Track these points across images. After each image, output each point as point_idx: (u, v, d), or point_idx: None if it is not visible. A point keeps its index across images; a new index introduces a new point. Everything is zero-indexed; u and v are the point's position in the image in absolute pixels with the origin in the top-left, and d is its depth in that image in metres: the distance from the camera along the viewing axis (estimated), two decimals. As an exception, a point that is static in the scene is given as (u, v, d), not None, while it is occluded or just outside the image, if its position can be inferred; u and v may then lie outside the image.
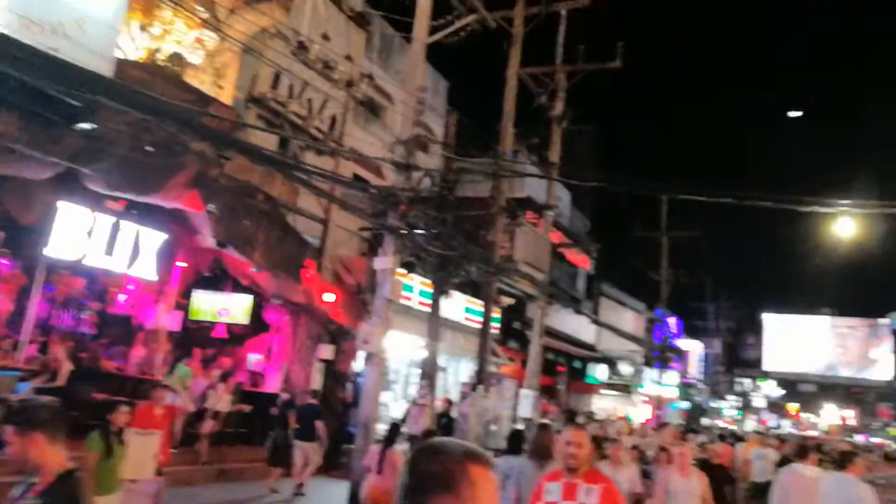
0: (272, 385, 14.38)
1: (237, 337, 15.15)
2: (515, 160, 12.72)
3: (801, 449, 7.52)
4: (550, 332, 22.34)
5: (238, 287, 14.36)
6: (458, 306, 16.39)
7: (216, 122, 9.27)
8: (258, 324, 14.72)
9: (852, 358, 55.31)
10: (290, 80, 13.29)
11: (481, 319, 13.45)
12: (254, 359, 15.26)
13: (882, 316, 54.42)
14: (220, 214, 10.34)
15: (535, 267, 14.18)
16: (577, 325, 25.01)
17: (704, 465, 8.42)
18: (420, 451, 1.48)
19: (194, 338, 14.33)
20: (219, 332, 14.87)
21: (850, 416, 69.76)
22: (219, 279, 14.60)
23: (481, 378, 11.65)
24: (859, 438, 56.24)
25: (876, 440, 57.30)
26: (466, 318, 16.81)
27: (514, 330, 20.18)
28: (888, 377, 54.71)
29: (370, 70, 14.65)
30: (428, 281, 10.84)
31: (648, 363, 30.60)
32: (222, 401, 12.03)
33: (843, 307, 56.87)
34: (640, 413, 28.83)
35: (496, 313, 17.52)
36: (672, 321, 36.63)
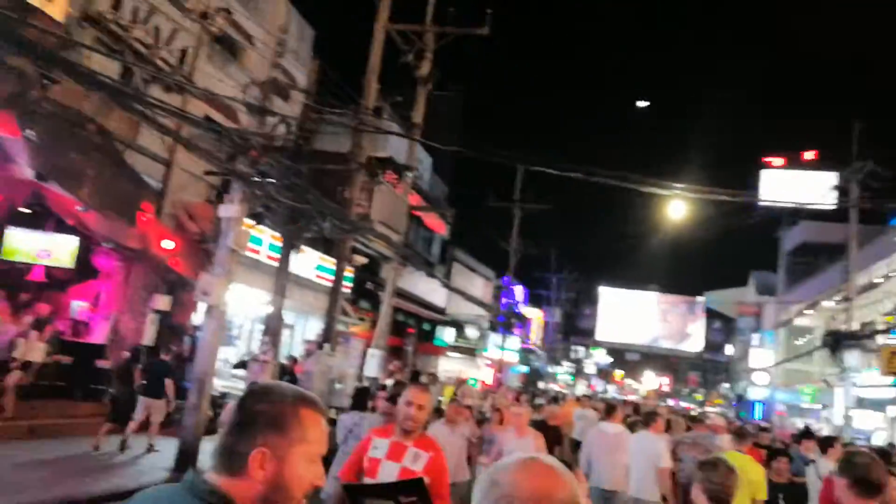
0: (98, 336, 13.23)
1: (59, 282, 13.73)
2: (378, 117, 12.42)
3: (609, 408, 8.21)
4: (402, 294, 22.48)
5: (63, 227, 12.97)
6: (310, 263, 15.94)
7: (40, 35, 8.11)
8: (85, 269, 13.42)
9: (672, 331, 61.17)
10: (136, 3, 12.00)
11: (333, 277, 13.17)
12: (78, 307, 13.94)
13: (699, 294, 60.52)
14: (40, 142, 9.17)
15: (392, 228, 14.07)
16: (429, 289, 25.36)
17: (541, 426, 8.85)
18: (252, 392, 1.47)
19: (6, 280, 12.80)
20: (36, 274, 13.40)
21: (666, 382, 77.24)
22: (39, 217, 13.08)
23: (328, 336, 11.41)
24: (671, 402, 62.50)
25: (684, 404, 63.95)
26: (318, 276, 16.40)
27: (367, 290, 20.05)
28: (699, 349, 61.13)
29: (228, 3, 13.57)
30: (277, 234, 10.37)
31: (493, 328, 31.83)
32: (35, 350, 10.87)
33: (668, 285, 62.56)
34: (483, 375, 30.01)
35: (349, 272, 17.26)
36: (518, 289, 38.26)
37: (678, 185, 10.23)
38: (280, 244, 10.04)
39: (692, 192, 10.58)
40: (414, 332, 26.99)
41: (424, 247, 26.04)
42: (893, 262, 23.35)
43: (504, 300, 34.42)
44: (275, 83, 8.63)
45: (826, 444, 7.58)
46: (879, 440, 20.51)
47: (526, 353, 42.40)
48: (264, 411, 1.40)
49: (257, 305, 14.27)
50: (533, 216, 30.96)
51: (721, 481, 2.96)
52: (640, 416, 9.25)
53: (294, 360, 11.86)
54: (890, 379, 18.74)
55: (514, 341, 35.33)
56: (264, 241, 13.11)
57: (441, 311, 27.43)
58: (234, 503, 1.35)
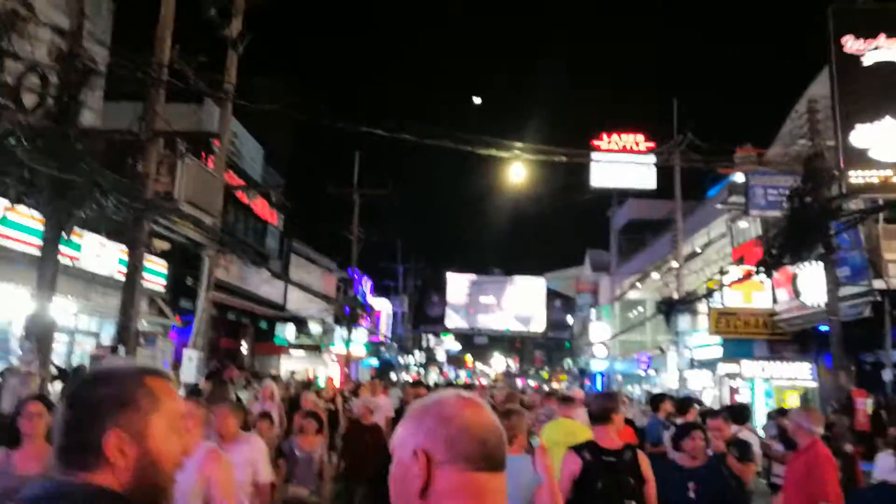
0: None
1: None
2: (176, 81, 10.56)
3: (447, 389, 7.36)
4: (235, 291, 20.38)
5: None
6: (111, 258, 13.61)
7: None
8: None
9: (517, 313, 62.81)
10: None
11: (146, 274, 11.20)
12: None
13: (540, 275, 62.68)
14: None
15: (203, 209, 12.21)
16: (265, 284, 23.38)
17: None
18: (84, 383, 1.34)
19: None
20: None
21: (513, 363, 79.67)
22: None
23: (124, 338, 9.48)
24: (519, 382, 64.34)
25: (532, 382, 66.10)
26: (121, 273, 14.08)
27: (189, 287, 17.80)
28: (542, 328, 63.37)
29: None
30: (39, 215, 8.29)
31: (339, 322, 30.34)
32: None
33: (512, 267, 64.33)
34: (330, 372, 28.44)
35: (160, 267, 15.06)
36: (363, 280, 37.02)
37: (519, 145, 9.56)
38: (44, 228, 7.99)
39: (530, 153, 9.98)
40: (250, 331, 24.90)
41: (257, 239, 23.96)
42: (712, 230, 24.89)
43: (349, 292, 33.03)
44: (12, 14, 6.65)
45: (683, 406, 7.17)
46: (709, 397, 21.77)
47: (375, 346, 41.30)
48: (107, 394, 1.28)
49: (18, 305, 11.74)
50: (375, 205, 30.01)
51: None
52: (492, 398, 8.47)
53: (62, 371, 9.75)
54: (717, 338, 19.76)
55: (361, 334, 34.06)
56: (32, 224, 10.68)
57: (280, 307, 25.48)
58: (123, 497, 1.22)
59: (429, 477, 1.18)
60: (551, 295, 62.81)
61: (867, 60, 13.08)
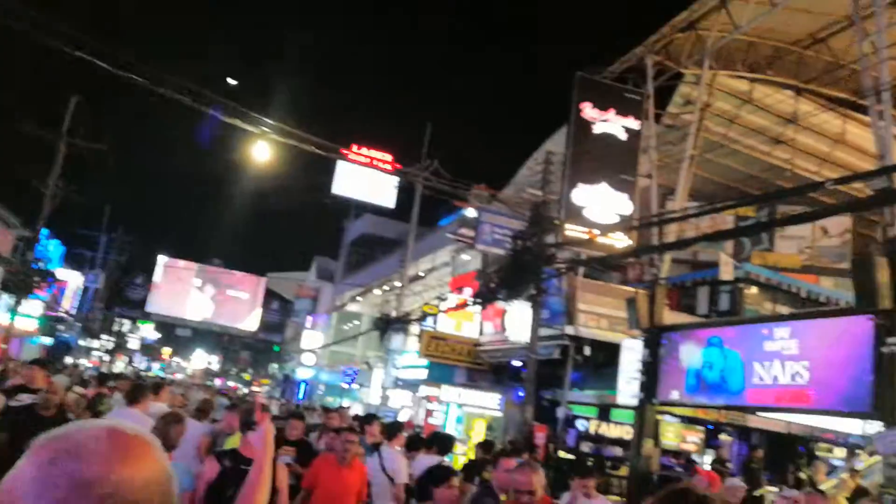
0: None
1: None
2: None
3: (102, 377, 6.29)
4: None
5: None
6: None
7: None
8: None
9: (230, 309, 59.25)
10: None
11: None
12: None
13: (262, 274, 60.21)
14: None
15: None
16: None
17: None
18: None
19: None
20: None
21: (215, 361, 75.07)
22: None
23: None
24: (217, 382, 60.67)
25: (231, 384, 62.79)
26: None
27: None
28: (254, 328, 60.72)
29: None
30: None
31: (7, 287, 25.28)
32: None
33: (233, 261, 60.87)
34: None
35: None
36: (52, 244, 31.65)
37: (267, 120, 8.53)
38: None
39: (279, 133, 9.00)
40: None
41: None
42: (437, 257, 25.96)
43: (29, 255, 27.81)
44: None
45: (393, 430, 6.76)
46: (405, 416, 22.34)
47: (52, 322, 35.45)
48: None
49: None
50: (86, 160, 25.58)
51: None
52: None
53: None
54: (424, 360, 20.36)
55: (35, 306, 28.90)
56: None
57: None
58: None
59: None
60: (270, 295, 60.69)
61: (597, 129, 14.62)
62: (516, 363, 18.22)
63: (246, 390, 48.35)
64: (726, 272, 16.83)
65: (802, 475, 13.66)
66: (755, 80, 17.02)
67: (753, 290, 18.37)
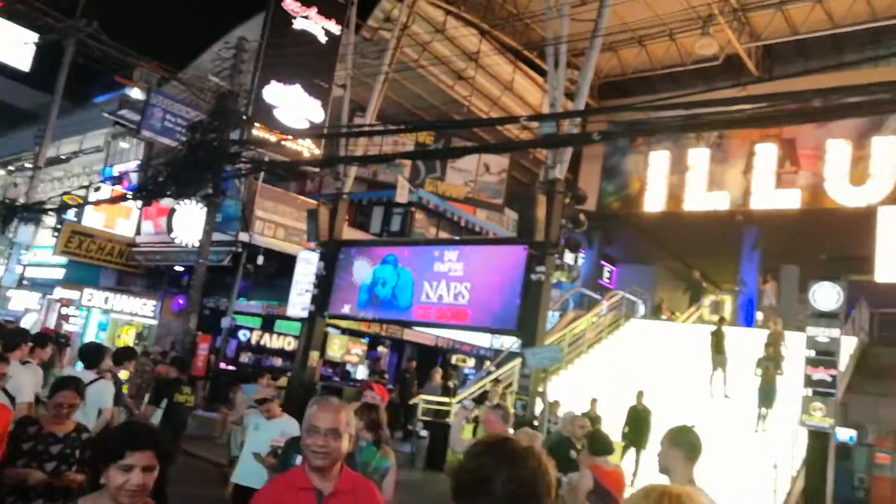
0: None
1: None
2: None
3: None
4: None
5: None
6: None
7: None
8: None
9: None
10: None
11: None
12: None
13: None
14: None
15: None
16: None
17: None
18: None
19: None
20: None
21: None
22: None
23: None
24: None
25: None
26: None
27: None
28: None
29: None
30: None
31: None
32: None
33: None
34: None
35: None
36: None
37: None
38: None
39: None
40: None
41: None
42: (87, 140, 22.10)
43: None
44: None
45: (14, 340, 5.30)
46: (29, 321, 18.97)
47: None
48: None
49: None
50: None
51: None
52: None
53: None
54: (62, 259, 17.36)
55: None
56: None
57: None
58: None
59: None
60: None
61: (297, 25, 13.54)
62: (179, 268, 16.62)
63: None
64: (402, 195, 17.52)
65: (451, 384, 15.18)
66: (449, 12, 17.62)
67: (422, 214, 19.57)
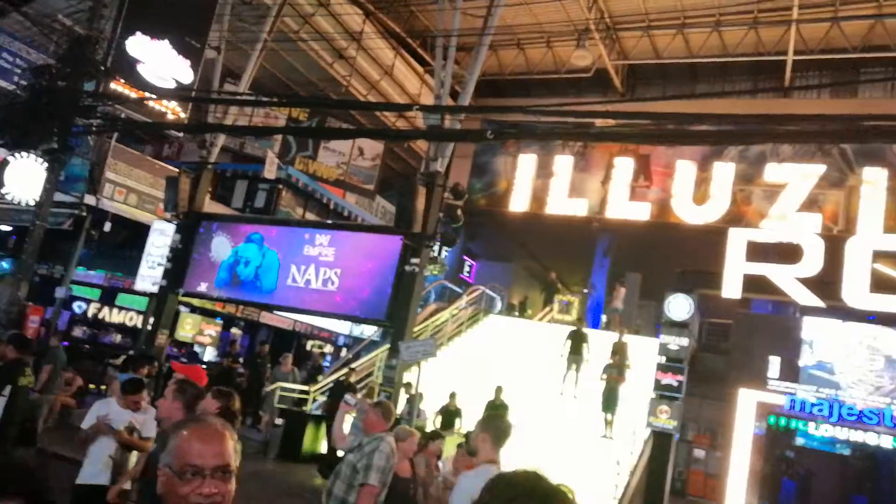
0: None
1: None
2: None
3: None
4: None
5: None
6: None
7: None
8: None
9: None
10: None
11: None
12: None
13: None
14: None
15: None
16: None
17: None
18: None
19: None
20: None
21: None
22: None
23: None
24: None
25: None
26: None
27: None
28: None
29: None
30: None
31: None
32: None
33: None
34: None
35: None
36: None
37: None
38: None
39: None
40: None
41: None
42: None
43: None
44: None
45: None
46: None
47: None
48: None
49: None
50: None
51: None
52: None
53: None
54: None
55: None
56: None
57: None
58: None
59: None
60: None
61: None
62: (5, 227, 14.76)
63: None
64: (270, 171, 16.72)
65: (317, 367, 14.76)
66: (336, -13, 17.02)
67: (289, 193, 18.83)
